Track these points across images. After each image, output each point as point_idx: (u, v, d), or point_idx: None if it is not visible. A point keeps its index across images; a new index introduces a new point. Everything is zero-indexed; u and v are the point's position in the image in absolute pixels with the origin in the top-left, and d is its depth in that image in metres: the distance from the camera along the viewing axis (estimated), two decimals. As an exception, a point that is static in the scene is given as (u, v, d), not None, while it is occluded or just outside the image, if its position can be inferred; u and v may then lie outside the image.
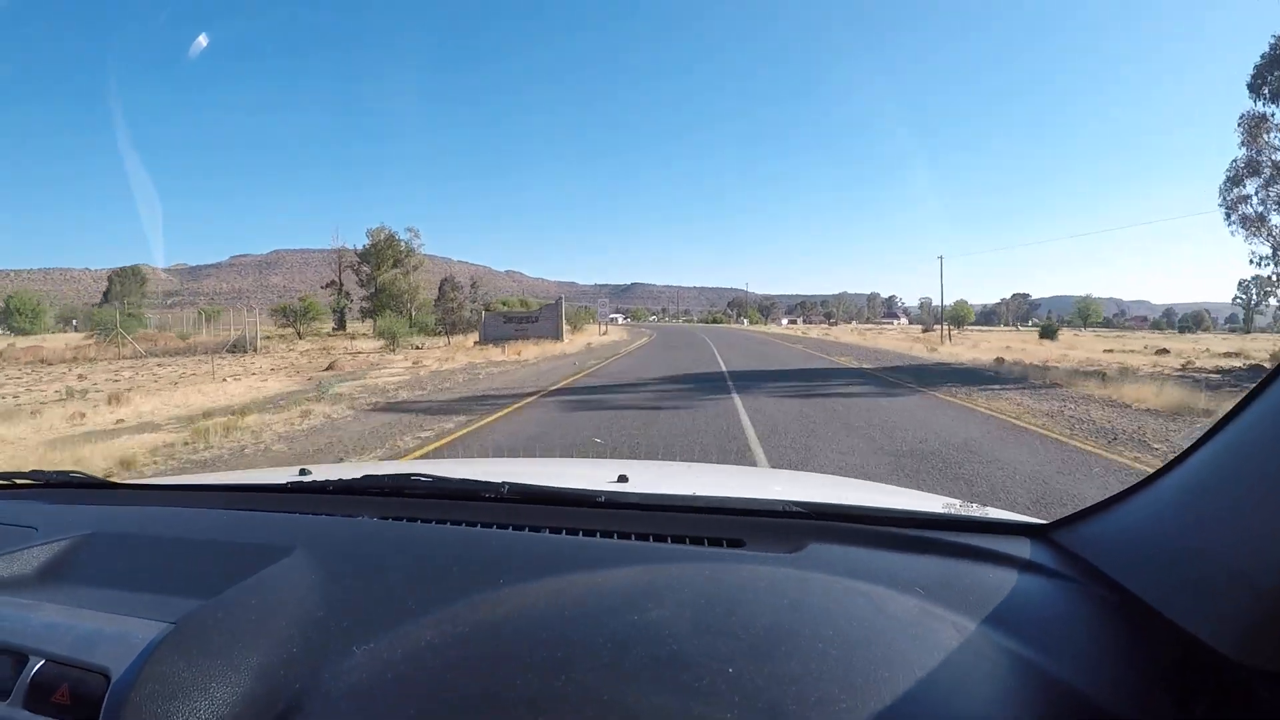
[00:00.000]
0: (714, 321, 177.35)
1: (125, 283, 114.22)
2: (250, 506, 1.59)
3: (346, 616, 0.98)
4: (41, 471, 1.81)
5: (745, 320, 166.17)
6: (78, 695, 0.87)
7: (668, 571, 1.07)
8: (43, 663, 0.91)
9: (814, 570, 1.05)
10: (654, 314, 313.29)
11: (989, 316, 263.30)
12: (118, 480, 1.92)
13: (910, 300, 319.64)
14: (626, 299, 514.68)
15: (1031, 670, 0.80)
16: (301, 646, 0.91)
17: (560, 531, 1.30)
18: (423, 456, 7.79)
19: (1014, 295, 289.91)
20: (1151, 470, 0.97)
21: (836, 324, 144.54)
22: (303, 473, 1.76)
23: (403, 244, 59.06)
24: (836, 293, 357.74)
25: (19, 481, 1.82)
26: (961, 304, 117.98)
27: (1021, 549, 1.14)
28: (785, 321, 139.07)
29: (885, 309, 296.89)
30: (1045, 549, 1.14)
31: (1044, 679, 0.79)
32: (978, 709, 0.72)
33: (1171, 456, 0.94)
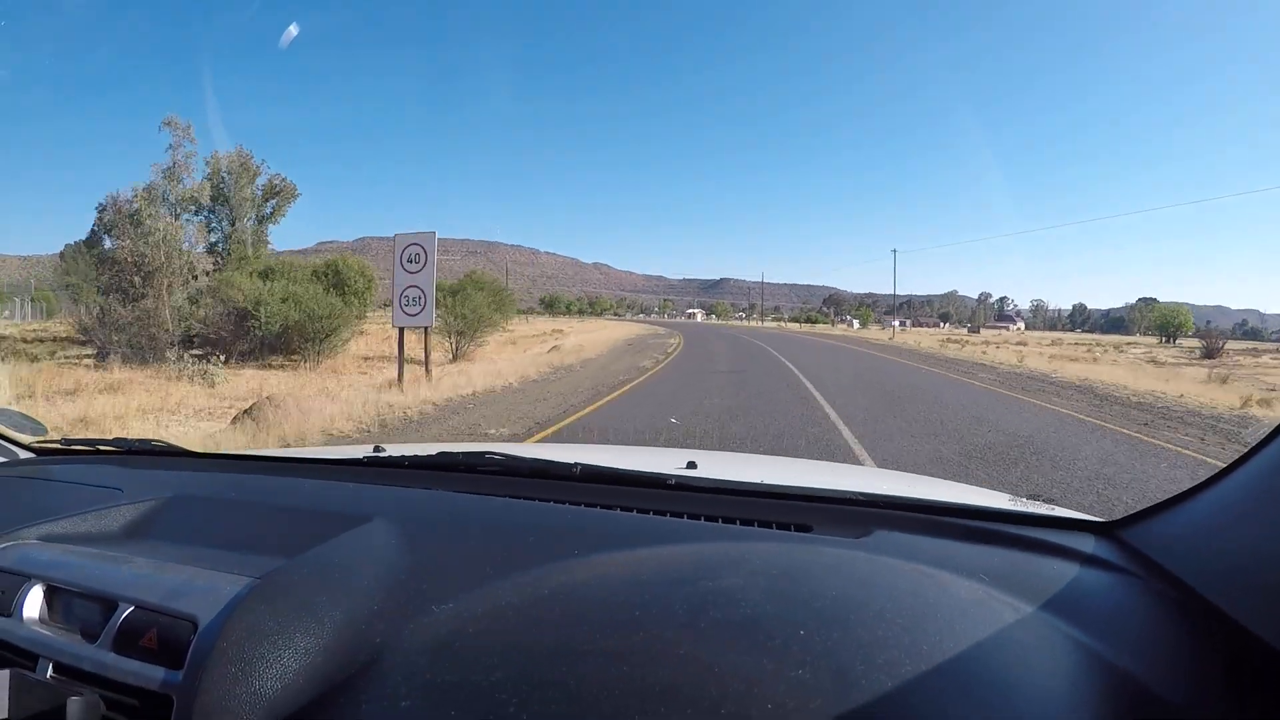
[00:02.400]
0: (810, 322, 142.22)
1: (79, 259, 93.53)
2: (328, 478, 1.60)
3: (425, 579, 0.98)
4: (124, 439, 1.87)
5: (855, 321, 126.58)
6: (165, 640, 0.88)
7: (739, 547, 1.07)
8: (132, 609, 0.93)
9: (880, 554, 1.04)
10: (741, 310, 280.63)
11: (1117, 324, 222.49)
12: (197, 450, 1.98)
13: (1020, 301, 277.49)
14: (715, 293, 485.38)
15: (1092, 656, 0.79)
16: (382, 604, 0.91)
17: (631, 510, 1.29)
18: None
19: (1140, 300, 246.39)
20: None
21: (977, 330, 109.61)
22: (377, 450, 1.76)
23: (280, 181, 27.22)
24: (943, 292, 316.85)
25: (102, 448, 1.88)
26: (1179, 308, 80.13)
27: (1086, 544, 1.11)
28: (896, 324, 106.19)
29: (996, 312, 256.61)
30: (1110, 545, 1.11)
31: (1104, 664, 0.78)
32: (1039, 683, 0.73)
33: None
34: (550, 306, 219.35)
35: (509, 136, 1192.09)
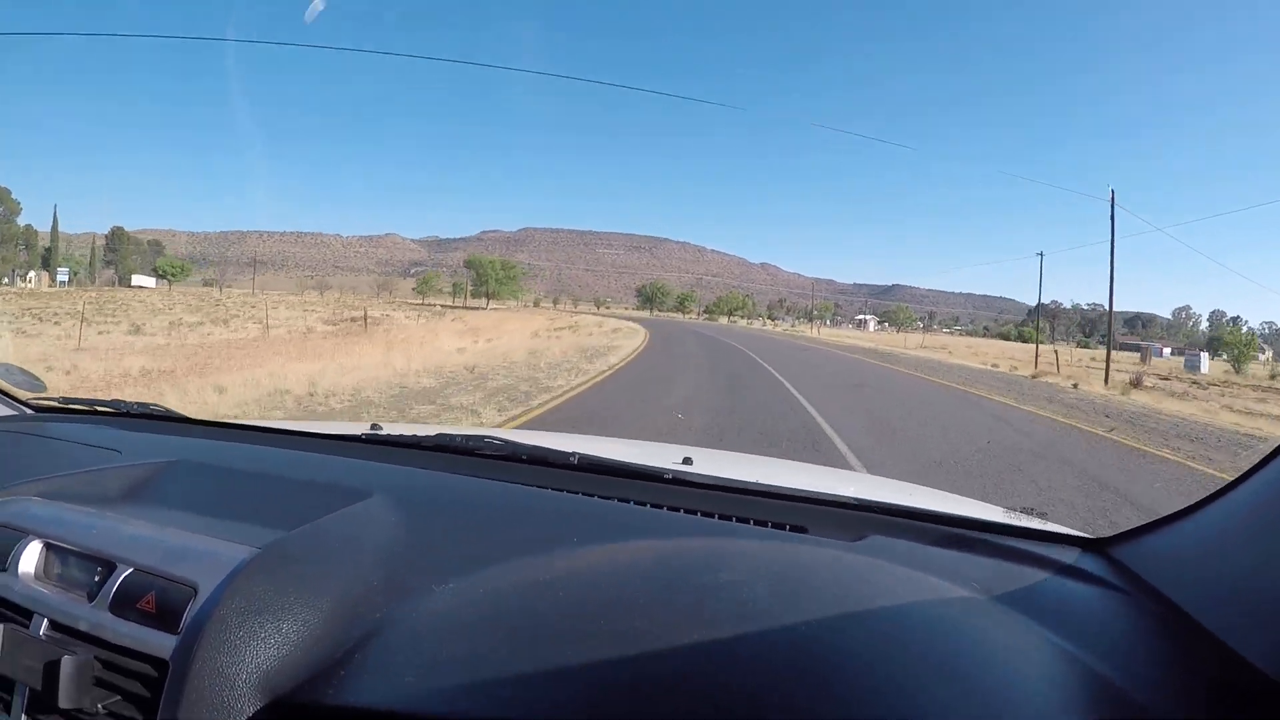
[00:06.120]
0: (1021, 339, 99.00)
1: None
2: (327, 452, 1.55)
3: (426, 557, 0.95)
4: (122, 401, 1.82)
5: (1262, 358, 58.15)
6: (164, 604, 0.84)
7: (738, 544, 1.04)
8: (131, 571, 0.89)
9: (876, 557, 1.02)
10: (920, 319, 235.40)
11: None
12: (194, 417, 1.92)
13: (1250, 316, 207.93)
14: (887, 299, 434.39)
15: (1078, 664, 0.78)
16: (382, 580, 0.89)
17: (628, 502, 1.26)
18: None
19: None
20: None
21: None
22: (374, 428, 1.71)
23: None
24: (1175, 308, 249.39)
25: (100, 409, 1.82)
26: None
27: (1077, 560, 1.09)
28: (1169, 353, 63.15)
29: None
30: (1100, 561, 1.09)
31: (1089, 673, 0.77)
32: (1027, 686, 0.72)
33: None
34: (650, 300, 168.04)
35: (675, 131, 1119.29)
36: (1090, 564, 1.07)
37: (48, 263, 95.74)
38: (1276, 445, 0.81)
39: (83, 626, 0.86)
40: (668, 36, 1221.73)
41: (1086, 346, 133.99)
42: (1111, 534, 1.13)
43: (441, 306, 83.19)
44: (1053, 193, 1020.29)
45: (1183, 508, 0.98)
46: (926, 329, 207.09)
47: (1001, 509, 1.37)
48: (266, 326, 28.22)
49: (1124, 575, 1.02)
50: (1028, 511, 1.32)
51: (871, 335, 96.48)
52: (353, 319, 39.25)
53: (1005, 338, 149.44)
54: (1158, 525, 1.03)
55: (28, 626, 0.88)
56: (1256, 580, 0.78)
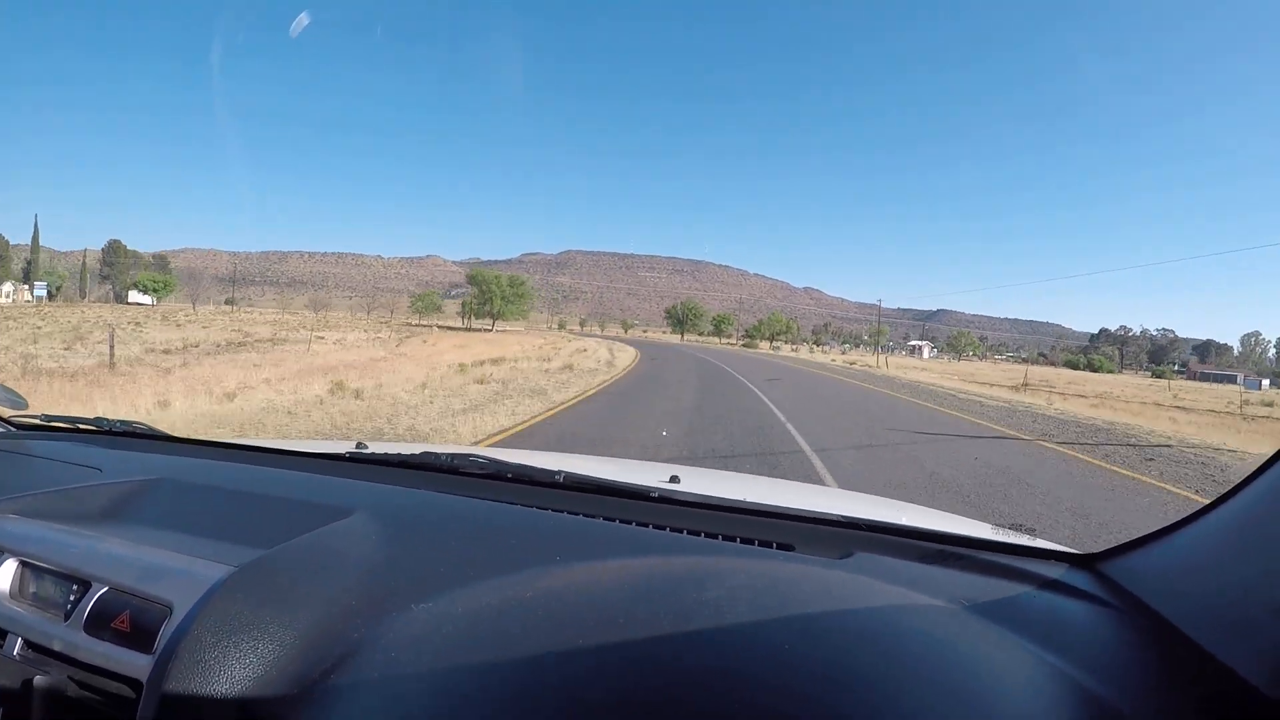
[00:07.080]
0: (1090, 368, 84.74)
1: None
2: (310, 470, 1.52)
3: (405, 576, 0.94)
4: (105, 419, 1.79)
5: None
6: (138, 624, 0.83)
7: (722, 561, 1.02)
8: (106, 590, 0.88)
9: (862, 575, 1.00)
10: (977, 345, 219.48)
11: None
12: (178, 435, 1.89)
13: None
14: (933, 323, 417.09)
15: (1068, 681, 0.76)
16: (361, 599, 0.87)
17: (614, 521, 1.23)
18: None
19: None
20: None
21: None
22: (360, 446, 1.70)
23: None
24: (1244, 333, 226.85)
25: (82, 426, 1.79)
26: None
27: (1066, 575, 1.08)
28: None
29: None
30: (1089, 577, 1.07)
31: (1079, 691, 0.75)
32: (1015, 704, 0.70)
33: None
34: (681, 323, 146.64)
35: (719, 153, 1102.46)
36: (1078, 579, 1.05)
37: (29, 276, 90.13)
38: (1263, 463, 0.81)
39: (57, 646, 0.84)
40: (716, 60, 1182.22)
41: (1161, 376, 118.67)
42: (1100, 550, 1.11)
43: (439, 327, 74.19)
44: (1079, 211, 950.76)
45: (1170, 524, 0.97)
46: (982, 357, 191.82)
47: (990, 525, 1.35)
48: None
49: (1112, 590, 1.00)
50: (1016, 528, 1.29)
51: (938, 365, 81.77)
52: (246, 341, 33.32)
53: (1074, 366, 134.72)
54: (1146, 541, 1.02)
55: (1, 646, 0.87)
56: (1247, 593, 0.77)
